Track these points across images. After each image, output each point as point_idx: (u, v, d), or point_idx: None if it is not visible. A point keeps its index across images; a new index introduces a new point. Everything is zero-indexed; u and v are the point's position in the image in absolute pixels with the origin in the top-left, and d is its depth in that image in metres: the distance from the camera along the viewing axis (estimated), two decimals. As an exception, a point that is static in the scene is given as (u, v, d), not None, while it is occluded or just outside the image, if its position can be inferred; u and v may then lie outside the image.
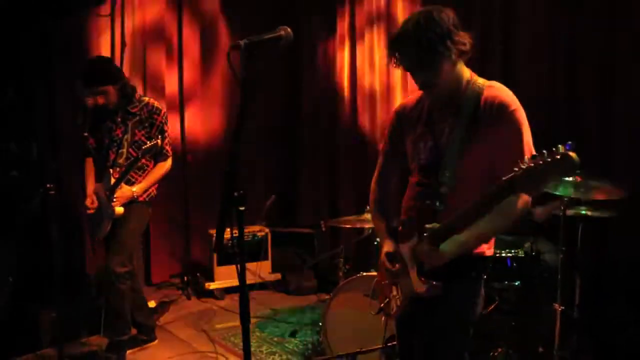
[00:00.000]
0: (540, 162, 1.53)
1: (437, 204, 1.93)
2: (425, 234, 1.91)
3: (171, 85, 5.48)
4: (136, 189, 3.64)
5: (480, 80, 2.00)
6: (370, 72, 5.17)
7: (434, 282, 1.95)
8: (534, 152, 1.82)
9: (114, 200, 3.56)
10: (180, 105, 5.55)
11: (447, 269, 1.92)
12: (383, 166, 2.33)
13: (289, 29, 1.74)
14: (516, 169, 1.58)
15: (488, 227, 1.90)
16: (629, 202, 2.99)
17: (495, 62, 3.96)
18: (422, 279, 1.97)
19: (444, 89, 1.97)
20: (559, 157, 1.49)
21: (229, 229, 1.69)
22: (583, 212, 3.19)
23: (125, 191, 3.60)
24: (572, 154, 1.48)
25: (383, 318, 2.33)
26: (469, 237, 1.89)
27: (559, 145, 1.51)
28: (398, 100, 4.87)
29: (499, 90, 1.97)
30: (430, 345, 2.09)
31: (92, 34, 4.93)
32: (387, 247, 2.16)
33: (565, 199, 3.06)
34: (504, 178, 1.63)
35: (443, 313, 2.03)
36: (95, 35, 4.94)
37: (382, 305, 2.26)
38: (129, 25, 5.06)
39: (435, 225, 1.88)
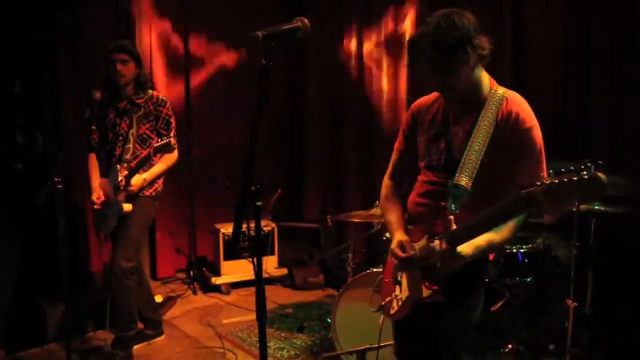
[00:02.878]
0: (565, 179, 1.43)
1: (452, 207, 1.89)
2: (441, 235, 1.87)
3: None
4: (146, 175, 3.60)
5: (501, 90, 1.97)
6: (378, 67, 5.13)
7: (436, 289, 1.91)
8: (545, 172, 1.85)
9: (124, 192, 3.52)
10: (186, 99, 5.51)
11: (453, 274, 1.88)
12: (396, 164, 2.30)
13: (305, 20, 1.71)
14: (538, 183, 1.50)
15: (499, 237, 1.88)
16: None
17: (506, 59, 3.93)
18: (426, 283, 1.94)
19: (462, 93, 1.95)
20: (586, 177, 1.40)
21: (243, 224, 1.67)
22: (596, 207, 3.15)
23: (137, 180, 3.55)
24: (601, 175, 1.39)
25: (382, 316, 2.30)
26: (485, 243, 1.86)
27: (589, 164, 1.41)
28: (405, 95, 4.83)
29: (518, 105, 1.93)
30: (430, 349, 2.07)
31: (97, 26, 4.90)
32: (400, 236, 2.12)
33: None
34: (523, 191, 1.56)
35: (447, 319, 2.02)
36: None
37: (383, 303, 2.23)
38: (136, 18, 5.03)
39: (454, 226, 1.83)
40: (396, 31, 4.93)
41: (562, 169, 1.46)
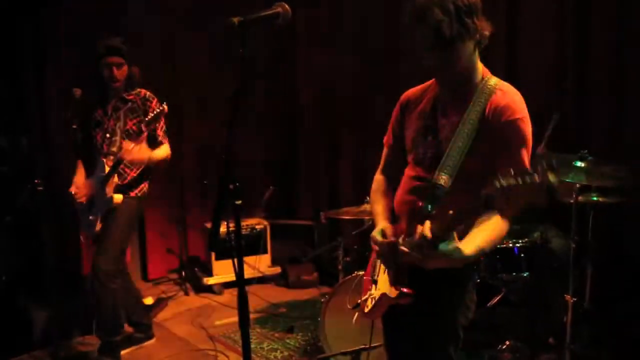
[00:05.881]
0: (518, 181, 1.38)
1: (429, 207, 1.79)
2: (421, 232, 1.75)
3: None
4: (134, 147, 3.36)
5: (493, 81, 1.86)
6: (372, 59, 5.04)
7: (405, 290, 1.81)
8: (528, 166, 1.75)
9: (112, 183, 3.43)
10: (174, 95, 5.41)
11: (425, 274, 1.76)
12: (387, 159, 2.21)
13: (286, 6, 1.61)
14: (497, 183, 1.42)
15: (497, 233, 1.77)
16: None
17: (499, 49, 3.85)
18: (395, 284, 1.84)
19: (457, 76, 1.84)
20: (528, 179, 1.36)
21: (225, 224, 1.58)
22: (594, 198, 3.09)
23: (126, 144, 3.33)
24: (550, 176, 1.34)
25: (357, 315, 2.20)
26: (486, 244, 1.74)
27: (540, 167, 1.37)
28: (401, 90, 4.74)
29: (509, 97, 1.82)
30: (416, 348, 1.99)
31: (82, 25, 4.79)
32: (383, 224, 2.01)
33: (577, 185, 2.95)
34: (482, 191, 1.49)
35: (426, 319, 1.92)
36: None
37: (359, 301, 2.15)
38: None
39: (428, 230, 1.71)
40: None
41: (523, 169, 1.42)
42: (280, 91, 6.04)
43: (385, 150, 2.21)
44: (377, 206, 2.14)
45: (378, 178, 2.23)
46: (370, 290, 2.08)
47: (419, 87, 2.08)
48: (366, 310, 2.07)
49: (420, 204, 1.81)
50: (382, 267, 2.01)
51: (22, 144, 4.57)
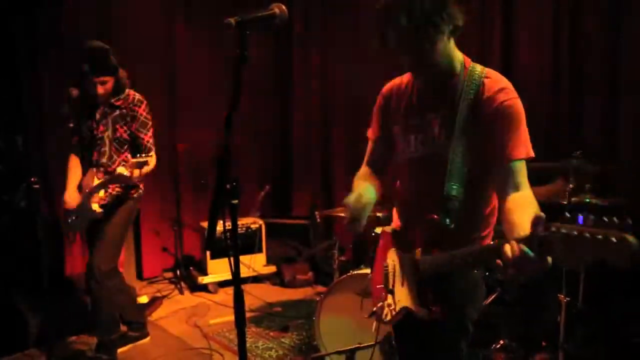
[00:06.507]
0: (587, 234, 1.21)
1: (447, 220, 1.75)
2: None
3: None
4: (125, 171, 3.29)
5: (479, 68, 1.81)
6: (364, 58, 5.04)
7: (433, 308, 1.78)
8: (531, 151, 1.71)
9: (95, 197, 3.41)
10: (171, 94, 5.41)
11: (455, 290, 1.78)
12: (372, 153, 2.14)
13: (283, 7, 1.61)
14: (554, 229, 1.28)
15: None
16: (635, 189, 2.91)
17: (495, 49, 3.86)
18: (421, 302, 1.80)
19: (437, 72, 1.79)
20: (613, 239, 1.17)
21: (221, 223, 1.58)
22: (587, 200, 3.10)
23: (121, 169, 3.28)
24: (630, 238, 1.16)
25: (375, 322, 2.18)
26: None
27: (615, 219, 1.19)
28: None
29: (501, 80, 1.78)
30: (428, 345, 1.95)
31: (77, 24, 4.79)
32: (360, 192, 1.94)
33: (571, 185, 2.97)
34: (536, 232, 1.33)
35: (448, 327, 1.88)
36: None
37: (374, 309, 2.08)
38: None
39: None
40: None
41: (590, 216, 1.23)
42: (274, 91, 6.05)
43: (370, 145, 2.14)
44: (359, 181, 2.07)
45: (363, 169, 2.17)
46: (385, 299, 2.02)
47: (401, 78, 2.01)
48: (386, 320, 2.01)
49: (436, 217, 1.77)
50: (398, 277, 1.95)
51: (17, 143, 4.56)
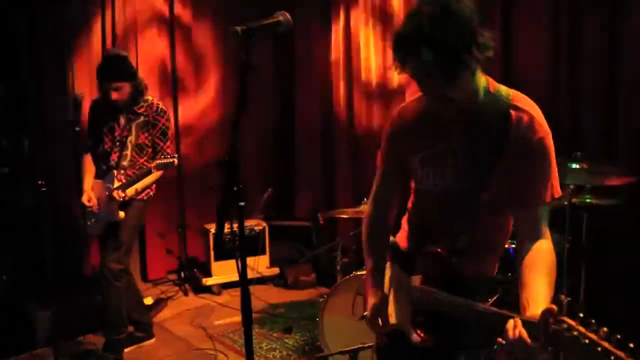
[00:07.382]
0: (599, 348, 1.16)
1: (454, 259, 1.67)
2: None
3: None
4: (138, 186, 3.52)
5: (503, 92, 1.63)
6: (366, 62, 5.08)
7: (426, 337, 1.71)
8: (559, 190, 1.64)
9: (118, 201, 3.46)
10: (174, 96, 5.46)
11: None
12: (381, 186, 1.92)
13: (287, 14, 1.66)
14: (565, 326, 1.23)
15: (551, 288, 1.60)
16: (635, 190, 2.94)
17: (495, 49, 3.88)
18: (417, 330, 1.73)
19: (459, 102, 1.56)
20: (600, 349, 1.16)
21: (227, 224, 1.62)
22: (588, 200, 3.13)
23: (130, 190, 3.48)
24: None
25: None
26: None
27: (631, 344, 1.14)
28: (394, 91, 4.80)
29: (530, 106, 1.62)
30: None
31: (82, 25, 4.84)
32: (373, 298, 1.83)
33: (572, 186, 3.00)
34: (539, 321, 1.30)
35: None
36: (85, 27, 4.85)
37: (366, 313, 1.96)
38: (119, 14, 4.99)
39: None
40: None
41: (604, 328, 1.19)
42: (277, 93, 6.08)
43: (377, 178, 1.92)
44: (368, 260, 1.91)
45: (370, 213, 1.96)
46: None
47: (415, 101, 1.80)
48: (378, 328, 1.92)
49: (442, 251, 1.69)
50: (393, 291, 1.86)
51: (23, 145, 4.60)
